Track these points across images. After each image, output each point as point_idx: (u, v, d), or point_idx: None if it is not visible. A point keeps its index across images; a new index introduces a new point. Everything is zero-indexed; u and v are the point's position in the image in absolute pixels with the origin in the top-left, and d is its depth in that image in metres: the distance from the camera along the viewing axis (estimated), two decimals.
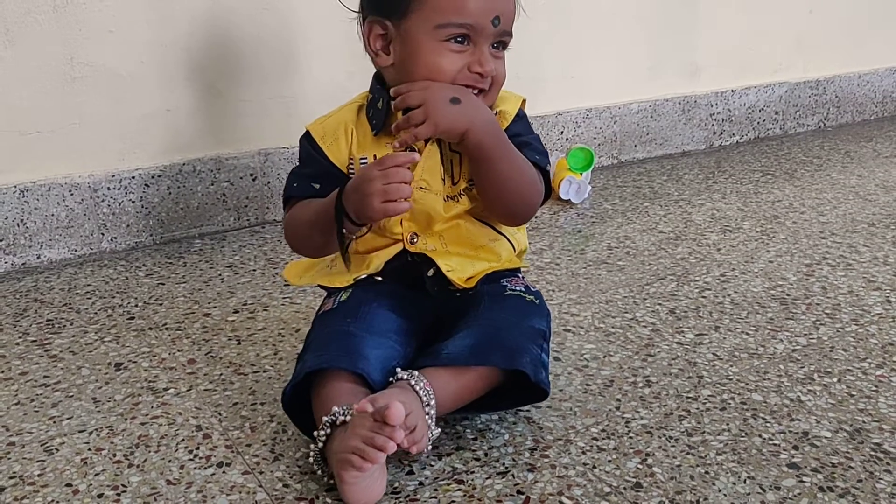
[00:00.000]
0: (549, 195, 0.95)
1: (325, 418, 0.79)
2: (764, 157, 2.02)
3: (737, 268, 1.33)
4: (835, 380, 0.98)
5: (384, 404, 0.74)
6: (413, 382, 0.81)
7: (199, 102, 1.47)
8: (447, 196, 0.92)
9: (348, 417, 0.78)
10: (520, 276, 0.99)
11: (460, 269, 0.93)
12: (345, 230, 0.85)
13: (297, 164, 0.97)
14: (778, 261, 1.35)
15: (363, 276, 0.94)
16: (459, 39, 0.86)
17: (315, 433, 0.80)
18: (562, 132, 1.87)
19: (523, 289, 0.95)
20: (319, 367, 0.84)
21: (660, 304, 1.20)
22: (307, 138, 0.95)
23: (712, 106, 2.08)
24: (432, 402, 0.81)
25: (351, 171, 0.93)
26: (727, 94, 2.10)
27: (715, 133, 2.11)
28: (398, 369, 0.84)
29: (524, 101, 0.97)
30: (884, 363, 1.02)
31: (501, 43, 0.90)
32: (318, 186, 0.92)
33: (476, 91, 0.88)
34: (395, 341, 0.90)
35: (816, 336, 1.09)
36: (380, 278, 0.94)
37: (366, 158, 0.92)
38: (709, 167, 1.95)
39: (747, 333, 1.11)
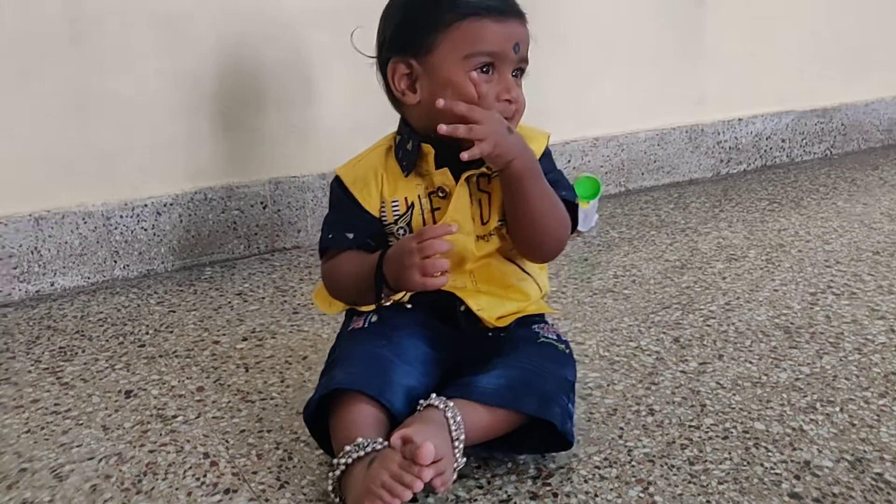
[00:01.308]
0: (575, 228, 0.96)
1: (348, 448, 0.81)
2: (771, 186, 2.03)
3: (741, 296, 1.34)
4: (837, 409, 0.99)
5: (416, 444, 0.75)
6: (449, 415, 0.82)
7: (210, 132, 1.50)
8: (478, 236, 0.93)
9: (369, 450, 0.79)
10: (549, 322, 1.00)
11: (490, 308, 0.94)
12: (382, 295, 0.88)
13: (329, 209, 0.98)
14: (783, 289, 1.36)
15: (390, 303, 0.95)
16: (485, 69, 0.88)
17: (335, 460, 0.82)
18: (569, 161, 1.89)
19: (555, 337, 0.96)
20: (349, 386, 0.85)
21: (664, 333, 1.21)
22: (338, 183, 0.96)
23: (719, 134, 2.10)
24: (462, 437, 0.82)
25: (383, 214, 0.94)
26: (734, 122, 2.11)
27: (722, 161, 2.13)
28: (433, 395, 0.84)
29: (549, 136, 0.98)
30: (886, 392, 1.02)
31: (520, 70, 0.92)
32: (351, 236, 0.94)
33: (504, 118, 0.89)
34: (421, 372, 0.91)
35: (819, 365, 1.10)
36: (409, 306, 0.95)
37: (397, 201, 0.93)
38: (716, 195, 1.96)
39: (751, 362, 1.11)
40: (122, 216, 1.46)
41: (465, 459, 0.83)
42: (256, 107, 1.52)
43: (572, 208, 0.95)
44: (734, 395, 1.03)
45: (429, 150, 0.90)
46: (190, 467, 0.92)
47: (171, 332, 1.28)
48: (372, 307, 0.95)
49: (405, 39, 0.90)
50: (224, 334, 1.26)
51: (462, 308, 0.93)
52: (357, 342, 0.92)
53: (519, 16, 0.90)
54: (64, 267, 1.44)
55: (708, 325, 1.23)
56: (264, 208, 1.57)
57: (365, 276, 0.88)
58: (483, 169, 0.91)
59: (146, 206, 1.48)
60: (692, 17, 1.98)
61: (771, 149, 2.21)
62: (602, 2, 1.85)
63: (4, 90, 1.34)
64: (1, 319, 1.35)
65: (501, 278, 0.95)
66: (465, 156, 0.83)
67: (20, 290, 1.42)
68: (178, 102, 1.46)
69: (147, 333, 1.27)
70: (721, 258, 1.52)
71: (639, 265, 1.50)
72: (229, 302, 1.38)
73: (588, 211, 1.70)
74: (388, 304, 0.94)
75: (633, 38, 1.92)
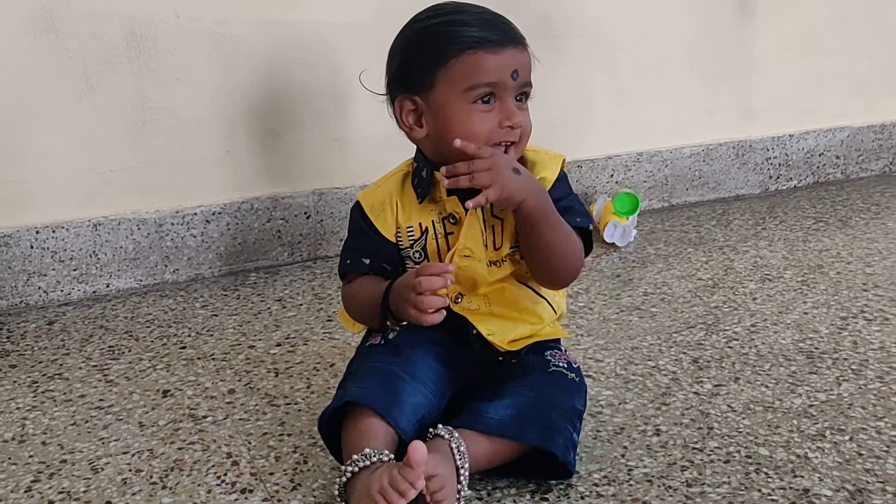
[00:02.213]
0: (589, 252, 0.99)
1: (355, 456, 0.85)
2: (820, 203, 2.00)
3: (769, 318, 1.34)
4: (846, 438, 0.99)
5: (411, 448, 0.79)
6: (454, 445, 0.86)
7: (257, 145, 1.57)
8: (490, 261, 0.96)
9: (375, 460, 0.84)
10: (562, 349, 1.02)
11: (501, 332, 0.96)
12: (389, 322, 0.93)
13: (348, 234, 1.02)
14: (813, 312, 1.35)
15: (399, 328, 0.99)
16: (486, 99, 0.91)
17: (343, 467, 0.86)
18: (611, 175, 1.91)
19: (566, 365, 0.98)
20: (360, 400, 0.90)
21: (684, 353, 1.22)
22: (358, 208, 1.00)
23: (768, 150, 2.08)
24: (466, 466, 0.86)
25: (399, 240, 0.98)
26: (784, 138, 2.09)
27: (771, 177, 2.10)
28: (440, 425, 0.88)
29: (564, 160, 1.00)
30: None
31: (524, 94, 0.95)
32: (368, 262, 0.98)
33: (507, 143, 0.93)
34: (432, 391, 0.95)
35: (837, 392, 1.10)
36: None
37: (412, 227, 0.97)
38: (760, 212, 1.94)
39: (766, 386, 1.12)
40: (173, 223, 1.55)
41: (470, 492, 0.87)
42: (300, 122, 1.59)
43: (586, 234, 0.98)
44: (743, 419, 1.04)
45: (440, 177, 0.93)
46: (213, 466, 0.98)
47: (212, 335, 1.35)
48: (395, 327, 0.99)
49: (408, 77, 0.94)
50: (260, 339, 1.33)
51: (474, 332, 0.96)
52: (372, 358, 0.97)
53: (516, 43, 0.92)
54: (119, 270, 1.53)
55: (730, 347, 1.24)
56: (307, 218, 1.64)
57: (375, 303, 0.93)
58: None
59: (196, 214, 1.56)
60: (741, 31, 1.96)
61: (824, 165, 2.17)
62: (647, 17, 1.86)
63: (70, 104, 1.44)
64: (61, 317, 1.45)
65: (515, 301, 0.98)
66: (469, 204, 0.87)
67: (79, 290, 1.52)
68: (227, 117, 1.54)
69: (189, 336, 1.35)
70: (755, 278, 1.52)
71: (670, 283, 1.51)
72: (269, 308, 1.45)
73: (626, 227, 1.71)
74: (392, 335, 0.98)
75: (680, 53, 1.92)
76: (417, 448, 0.78)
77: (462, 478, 0.85)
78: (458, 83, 0.90)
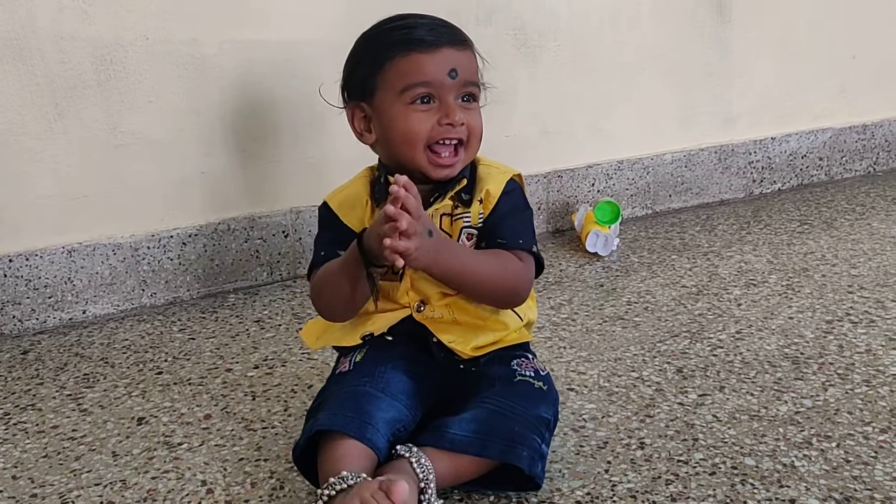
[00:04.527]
0: (541, 270, 0.98)
1: (332, 480, 0.83)
2: (805, 206, 1.99)
3: (754, 324, 1.32)
4: (833, 444, 0.97)
5: (392, 479, 0.78)
6: (413, 460, 0.85)
7: (232, 165, 1.55)
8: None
9: (352, 483, 0.82)
10: (530, 357, 1.01)
11: (463, 340, 0.96)
12: (369, 270, 0.89)
13: (318, 229, 1.02)
14: (798, 317, 1.34)
15: (372, 336, 0.98)
16: (425, 100, 0.92)
17: (319, 490, 0.84)
18: (593, 184, 1.89)
19: (532, 373, 0.97)
20: (330, 428, 0.88)
21: (668, 363, 1.20)
22: (325, 207, 1.01)
23: (750, 154, 2.07)
24: (431, 484, 0.85)
25: None
26: (766, 141, 2.08)
27: (754, 181, 2.09)
28: (398, 446, 0.87)
29: (517, 175, 0.99)
30: (889, 427, 1.00)
31: (470, 95, 0.95)
32: (342, 253, 0.96)
33: (454, 142, 0.93)
34: (405, 405, 0.94)
35: (823, 398, 1.08)
36: (390, 338, 0.98)
37: None
38: (745, 216, 1.93)
39: (752, 394, 1.10)
40: (149, 247, 1.53)
41: (441, 502, 0.85)
42: (276, 141, 1.57)
43: (533, 254, 0.96)
44: (729, 428, 1.02)
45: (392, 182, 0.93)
46: (187, 494, 0.96)
47: (189, 359, 1.33)
48: (353, 343, 0.98)
49: (355, 86, 0.96)
50: (237, 362, 1.30)
51: (434, 340, 0.96)
52: (341, 385, 0.96)
53: (454, 43, 0.93)
54: (95, 296, 1.51)
55: (714, 356, 1.22)
56: (286, 237, 1.62)
57: (352, 260, 0.90)
58: (446, 201, 0.95)
59: (172, 236, 1.54)
60: (719, 35, 1.96)
61: (807, 167, 2.16)
62: (624, 24, 1.85)
63: (40, 130, 1.42)
64: (36, 346, 1.42)
65: (476, 310, 0.97)
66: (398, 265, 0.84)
67: (54, 317, 1.49)
68: (201, 139, 1.52)
69: (166, 361, 1.33)
70: (740, 284, 1.50)
71: (654, 291, 1.49)
72: (247, 329, 1.43)
73: (608, 236, 1.70)
74: (370, 335, 0.97)
75: (658, 59, 1.91)
76: (401, 486, 0.77)
77: (427, 495, 0.84)
78: (395, 85, 0.92)
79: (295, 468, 0.97)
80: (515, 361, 0.98)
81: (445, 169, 0.93)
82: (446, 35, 0.93)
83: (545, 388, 0.96)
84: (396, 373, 0.96)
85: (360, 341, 0.99)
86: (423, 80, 0.91)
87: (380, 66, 0.92)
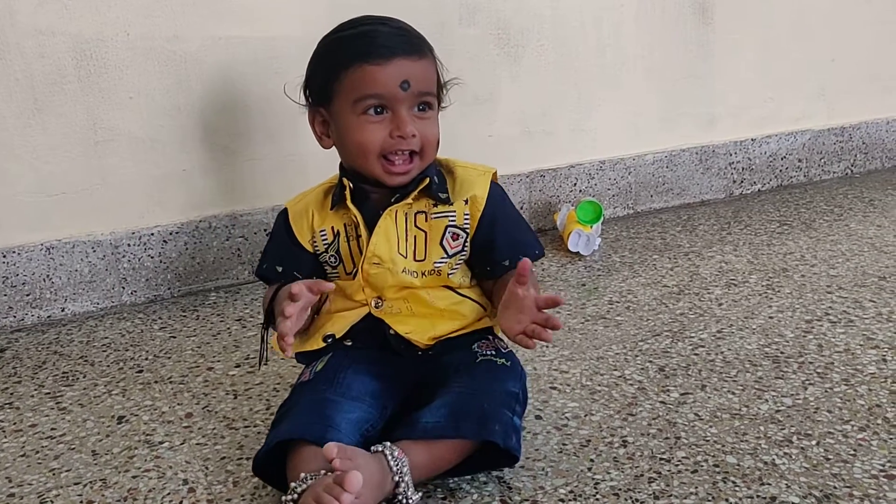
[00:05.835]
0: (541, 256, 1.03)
1: (293, 484, 0.84)
2: (784, 207, 2.01)
3: (735, 324, 1.33)
4: (813, 442, 0.98)
5: (346, 469, 0.78)
6: (387, 453, 0.85)
7: (213, 162, 1.54)
8: (411, 270, 0.97)
9: (312, 482, 0.82)
10: (490, 337, 1.02)
11: (420, 330, 0.98)
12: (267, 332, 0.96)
13: (269, 238, 1.07)
14: (778, 317, 1.35)
15: (333, 337, 0.99)
16: (379, 110, 0.93)
17: (284, 497, 0.84)
18: (574, 184, 1.90)
19: (493, 352, 0.98)
20: (290, 437, 0.88)
21: (650, 362, 1.21)
22: (283, 215, 1.04)
23: (731, 155, 2.08)
24: (405, 470, 0.84)
25: (315, 246, 1.02)
26: (747, 142, 2.10)
27: (735, 182, 2.11)
28: (373, 446, 0.87)
29: (494, 173, 1.00)
30: (867, 426, 1.01)
31: (426, 104, 0.96)
32: (280, 269, 1.02)
33: (407, 152, 0.94)
34: (370, 405, 0.94)
35: (803, 396, 1.09)
36: (349, 343, 0.99)
37: (325, 231, 1.01)
38: (726, 217, 1.94)
39: (733, 393, 1.11)
40: (129, 244, 1.51)
41: (418, 496, 0.85)
42: (257, 138, 1.56)
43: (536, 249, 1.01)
44: (711, 427, 1.02)
45: (347, 184, 0.97)
46: (168, 493, 0.95)
47: (170, 357, 1.31)
48: (315, 346, 1.00)
49: (314, 90, 0.98)
50: (219, 361, 1.29)
51: (391, 332, 0.97)
52: (303, 394, 0.96)
53: (407, 53, 0.93)
54: (74, 293, 1.49)
55: (696, 354, 1.23)
56: (267, 234, 1.60)
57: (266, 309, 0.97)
58: (409, 201, 0.96)
59: (153, 234, 1.52)
60: (700, 37, 1.97)
61: (787, 168, 2.18)
62: (606, 24, 1.86)
63: (19, 126, 1.40)
64: (13, 344, 1.40)
65: (432, 302, 0.99)
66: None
67: (32, 315, 1.47)
68: (182, 135, 1.51)
69: (147, 359, 1.31)
70: (720, 283, 1.51)
71: (635, 291, 1.50)
72: (228, 328, 1.42)
73: (590, 235, 1.70)
74: (331, 338, 1.00)
75: (640, 60, 1.92)
76: (352, 480, 0.76)
77: (402, 488, 0.84)
78: (348, 96, 0.94)
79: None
80: (476, 344, 1.00)
81: (399, 176, 0.95)
82: (401, 45, 0.93)
83: (508, 363, 0.97)
84: (358, 375, 0.96)
85: (324, 343, 1.00)
86: (374, 93, 0.92)
87: (335, 76, 0.94)
